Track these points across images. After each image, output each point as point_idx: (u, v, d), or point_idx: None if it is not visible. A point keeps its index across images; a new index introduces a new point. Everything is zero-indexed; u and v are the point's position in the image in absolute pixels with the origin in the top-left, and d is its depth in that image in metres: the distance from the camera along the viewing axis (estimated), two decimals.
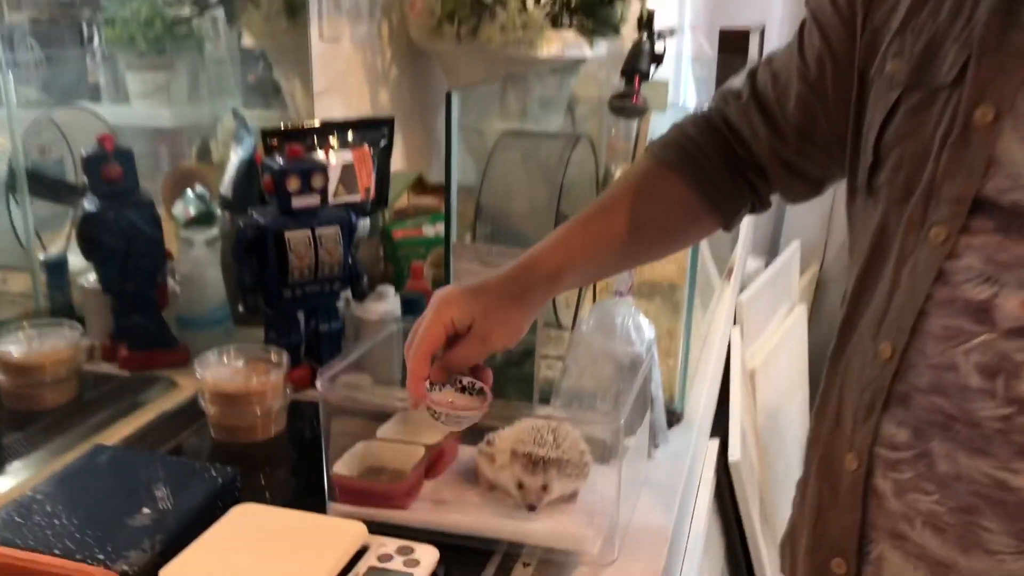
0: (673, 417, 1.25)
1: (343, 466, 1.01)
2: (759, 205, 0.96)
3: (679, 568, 1.04)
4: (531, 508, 0.93)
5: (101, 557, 0.86)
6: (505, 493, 0.99)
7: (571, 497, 1.00)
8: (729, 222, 0.95)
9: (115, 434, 1.18)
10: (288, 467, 1.17)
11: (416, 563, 0.88)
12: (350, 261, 1.31)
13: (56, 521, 0.91)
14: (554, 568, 0.92)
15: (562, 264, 0.90)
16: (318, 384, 0.96)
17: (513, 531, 0.94)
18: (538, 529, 0.94)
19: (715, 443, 1.42)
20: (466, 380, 0.92)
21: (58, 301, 1.49)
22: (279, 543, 0.89)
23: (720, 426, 1.60)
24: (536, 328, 1.19)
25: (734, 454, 1.52)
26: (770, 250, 2.97)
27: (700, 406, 1.32)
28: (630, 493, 1.03)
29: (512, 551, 0.94)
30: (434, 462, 1.05)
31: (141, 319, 1.38)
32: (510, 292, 0.87)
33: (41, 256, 1.49)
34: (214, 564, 0.86)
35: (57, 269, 1.48)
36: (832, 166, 0.89)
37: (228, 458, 1.15)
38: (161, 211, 1.40)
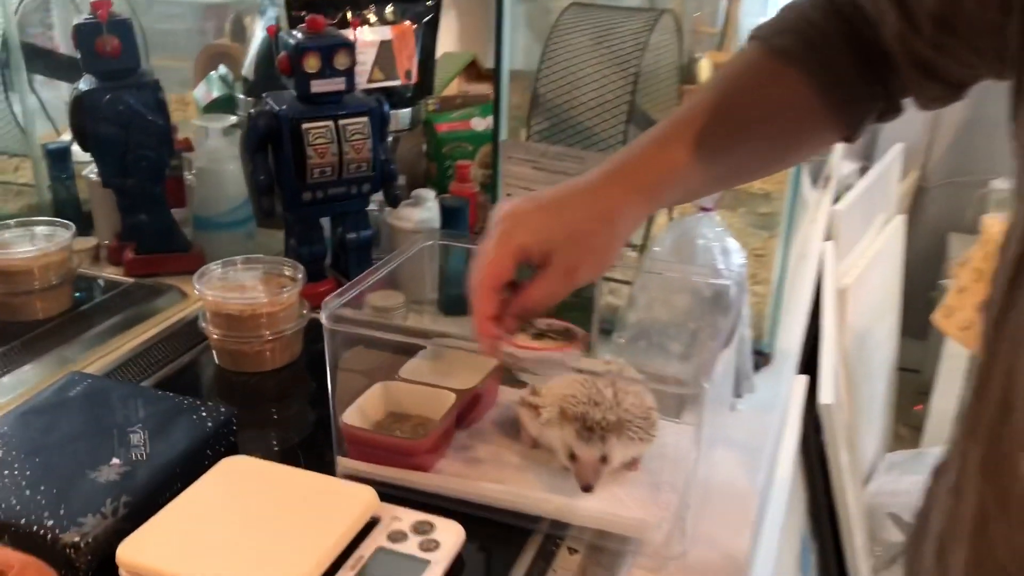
0: (761, 359, 1.04)
1: (356, 413, 0.83)
2: (890, 110, 0.72)
3: (759, 538, 0.85)
4: (587, 489, 0.74)
5: (50, 523, 0.70)
6: (551, 453, 0.80)
7: (632, 463, 0.81)
8: (854, 131, 0.72)
9: (105, 354, 1.02)
10: (301, 403, 1.00)
11: (435, 545, 0.71)
12: (381, 158, 1.11)
13: (7, 471, 0.75)
14: (607, 557, 0.74)
15: (663, 178, 0.69)
16: (322, 313, 0.77)
17: (558, 508, 0.76)
18: (589, 508, 0.75)
19: (801, 380, 1.22)
20: (542, 323, 0.75)
21: (61, 195, 1.32)
22: (268, 512, 0.72)
23: (807, 359, 1.38)
24: None
25: (826, 395, 1.31)
26: (865, 153, 2.67)
27: (791, 344, 1.11)
28: (706, 458, 0.84)
29: (556, 532, 0.76)
30: (468, 408, 0.86)
31: (148, 219, 1.21)
32: (600, 211, 0.68)
33: (42, 143, 1.32)
34: (182, 540, 0.69)
35: (59, 158, 1.31)
36: (978, 62, 0.64)
37: (231, 391, 0.99)
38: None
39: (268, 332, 0.98)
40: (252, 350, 0.98)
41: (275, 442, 0.90)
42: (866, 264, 2.06)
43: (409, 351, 0.91)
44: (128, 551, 0.68)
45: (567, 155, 0.98)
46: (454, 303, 1.11)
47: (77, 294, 1.16)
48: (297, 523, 0.71)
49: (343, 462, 0.82)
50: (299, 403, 0.99)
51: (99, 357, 1.01)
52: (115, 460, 0.78)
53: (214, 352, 1.01)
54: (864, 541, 1.42)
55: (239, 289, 1.00)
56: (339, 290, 0.80)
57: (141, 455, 0.79)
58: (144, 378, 0.98)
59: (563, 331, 0.75)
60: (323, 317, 0.76)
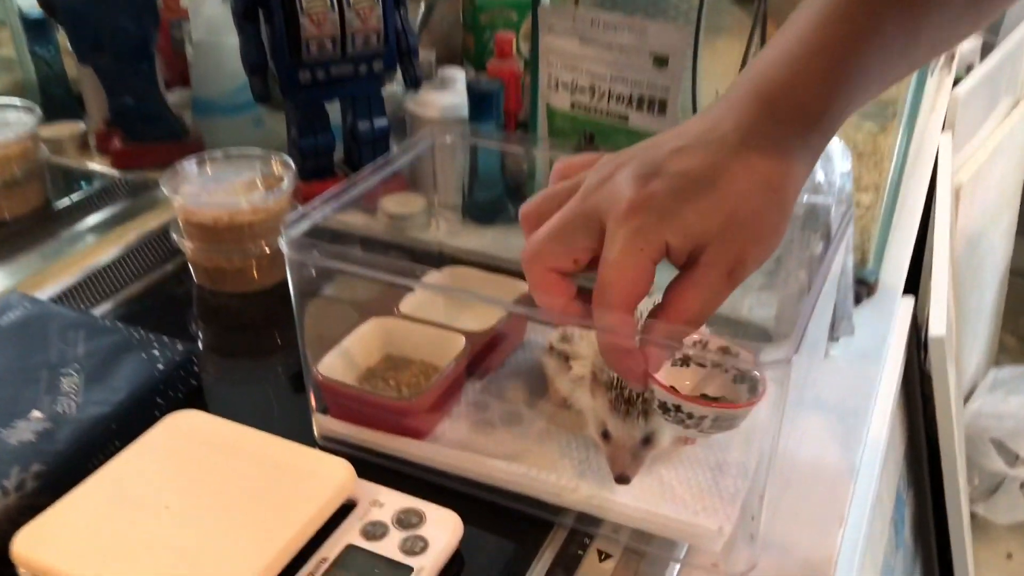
0: (862, 289, 0.83)
1: (340, 359, 0.66)
2: None
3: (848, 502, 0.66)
4: (621, 480, 0.56)
5: None
6: (585, 418, 0.62)
7: (685, 440, 0.62)
8: None
9: (67, 266, 0.86)
10: (289, 333, 0.82)
11: (421, 547, 0.54)
12: (396, 28, 0.90)
13: None
14: (646, 566, 0.56)
15: (840, 102, 0.46)
16: (281, 239, 0.58)
17: (588, 499, 0.58)
18: (628, 500, 0.57)
19: (907, 303, 1.00)
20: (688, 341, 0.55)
21: (45, 72, 1.15)
22: (214, 491, 0.56)
23: (910, 274, 1.15)
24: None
25: (937, 325, 1.09)
26: (991, 27, 2.33)
27: (899, 269, 0.89)
28: (788, 427, 0.64)
29: (584, 527, 0.58)
30: (485, 353, 0.68)
31: (134, 101, 1.03)
32: (762, 176, 0.46)
33: (19, 8, 1.14)
34: (98, 528, 0.54)
35: (37, 28, 1.13)
36: None
37: (207, 316, 0.82)
38: None
39: (251, 245, 0.80)
40: (233, 267, 0.81)
41: (248, 388, 0.73)
42: (986, 157, 1.78)
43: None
44: (26, 543, 0.53)
45: (623, 25, 0.76)
46: (482, 209, 0.92)
47: (54, 191, 1.00)
48: (249, 507, 0.55)
49: (321, 421, 0.65)
50: (287, 333, 0.82)
51: (61, 270, 0.86)
52: (35, 413, 0.62)
53: (191, 269, 0.84)
54: (965, 483, 1.23)
55: (216, 192, 0.82)
56: (305, 205, 0.61)
57: (69, 406, 0.63)
58: (105, 298, 0.82)
59: (721, 353, 0.55)
60: (283, 243, 0.58)
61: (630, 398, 0.55)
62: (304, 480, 0.57)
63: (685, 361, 0.56)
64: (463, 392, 0.67)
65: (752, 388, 0.54)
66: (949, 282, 1.18)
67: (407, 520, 0.56)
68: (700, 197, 0.44)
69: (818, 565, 0.57)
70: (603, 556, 0.56)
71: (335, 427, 0.64)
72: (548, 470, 0.60)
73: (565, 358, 0.63)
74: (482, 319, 0.68)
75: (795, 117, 0.45)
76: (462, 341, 0.66)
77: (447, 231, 0.87)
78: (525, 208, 0.50)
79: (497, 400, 0.67)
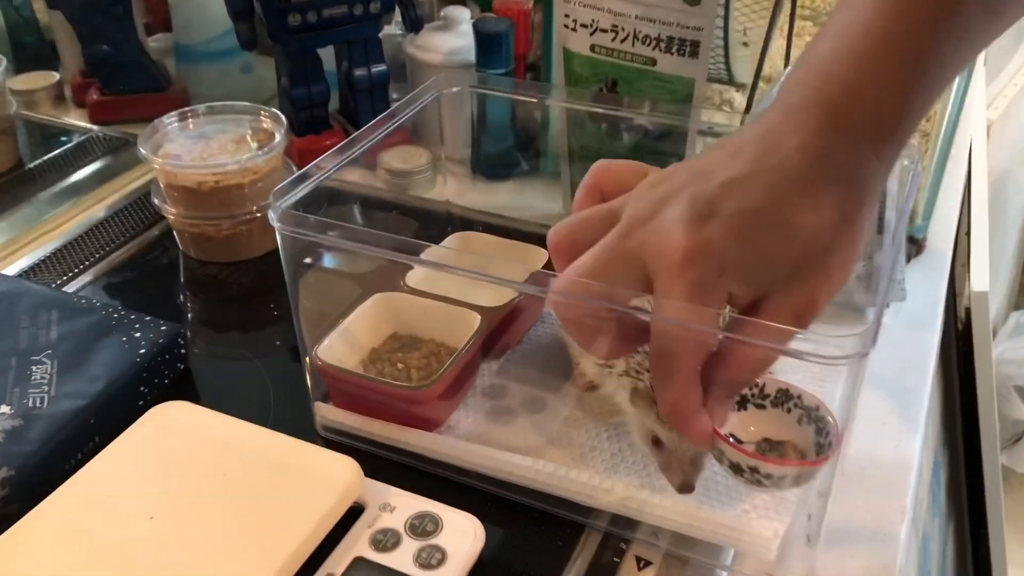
0: (911, 248, 0.76)
1: (341, 341, 0.59)
2: None
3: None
4: (686, 489, 0.49)
5: None
6: (614, 403, 0.55)
7: None
8: None
9: (36, 236, 0.79)
10: (286, 307, 0.76)
11: (439, 559, 0.48)
12: None
13: None
14: (690, 573, 0.50)
15: (922, 96, 0.38)
16: (270, 211, 0.51)
17: (624, 500, 0.51)
18: (668, 504, 0.51)
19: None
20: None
21: (13, 19, 1.06)
22: (203, 498, 0.50)
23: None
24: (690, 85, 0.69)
25: (979, 280, 1.02)
26: None
27: (948, 223, 0.82)
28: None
29: (619, 531, 0.52)
30: (499, 332, 0.61)
31: (110, 49, 0.95)
32: (834, 209, 0.39)
33: None
34: (68, 542, 0.47)
35: None
36: None
37: (196, 289, 0.75)
38: None
39: (241, 210, 0.73)
40: (221, 234, 0.74)
41: (242, 369, 0.67)
42: (1016, 93, 1.69)
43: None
44: None
45: None
46: (492, 163, 0.84)
47: (26, 149, 0.92)
48: (244, 516, 0.48)
49: (322, 411, 0.58)
50: (285, 304, 0.75)
51: (33, 239, 0.79)
52: (3, 408, 0.56)
53: (176, 237, 0.77)
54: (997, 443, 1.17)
55: (199, 150, 0.74)
56: (295, 175, 0.53)
57: (41, 400, 0.57)
58: (83, 270, 0.75)
59: (782, 398, 0.50)
60: (273, 216, 0.51)
61: None
62: (306, 482, 0.50)
63: (742, 403, 0.50)
64: (480, 373, 0.60)
65: (821, 430, 0.48)
66: (988, 231, 1.11)
67: (422, 527, 0.50)
68: (765, 240, 0.38)
69: (882, 569, 0.51)
70: (642, 564, 0.50)
71: (337, 417, 0.58)
72: (577, 467, 0.53)
73: None
74: (499, 292, 0.61)
75: (867, 127, 0.38)
76: (477, 319, 0.59)
77: (455, 188, 0.80)
78: (556, 235, 0.43)
79: (516, 384, 0.60)
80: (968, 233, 1.11)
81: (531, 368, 0.61)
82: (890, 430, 0.60)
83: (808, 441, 0.49)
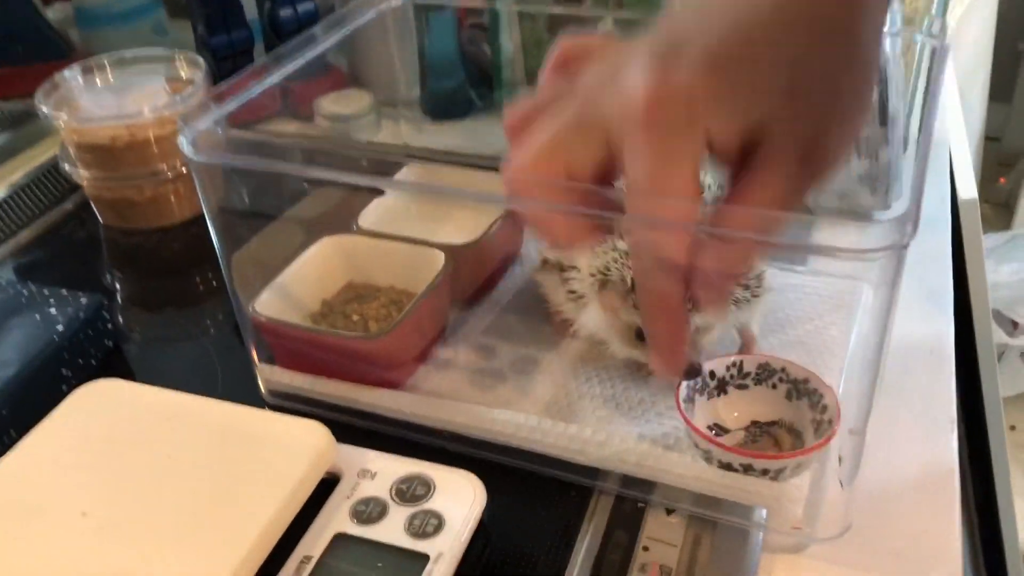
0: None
1: (283, 293, 0.51)
2: None
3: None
4: (690, 374, 0.42)
5: None
6: (600, 344, 0.49)
7: (749, 340, 0.49)
8: None
9: None
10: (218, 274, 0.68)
11: (435, 525, 0.41)
12: None
13: None
14: (722, 533, 0.43)
15: None
16: (181, 139, 0.43)
17: (620, 454, 0.44)
18: (677, 461, 0.43)
19: None
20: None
21: None
22: (148, 483, 0.42)
23: None
24: None
25: (966, 188, 0.97)
26: None
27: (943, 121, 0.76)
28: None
29: (632, 492, 0.45)
30: (469, 276, 0.54)
31: (3, 15, 0.85)
32: (828, 21, 0.31)
33: None
34: None
35: None
36: None
37: (121, 261, 0.67)
38: None
39: (162, 166, 0.65)
40: (144, 197, 0.66)
41: (179, 343, 0.59)
42: (963, 10, 1.65)
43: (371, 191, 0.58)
44: None
45: None
46: (443, 102, 0.76)
47: None
48: (195, 502, 0.41)
49: (266, 374, 0.51)
50: (215, 272, 0.67)
51: None
52: None
53: (93, 206, 0.69)
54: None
55: (111, 104, 0.66)
56: (207, 96, 0.45)
57: None
58: None
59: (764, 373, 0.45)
60: (184, 142, 0.43)
61: None
62: (268, 455, 0.43)
63: (720, 388, 0.44)
64: (448, 325, 0.53)
65: (815, 404, 0.42)
66: (969, 139, 1.06)
67: (410, 491, 0.42)
68: (742, 66, 0.30)
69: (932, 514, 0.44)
70: (670, 511, 0.44)
71: (285, 379, 0.50)
72: (565, 419, 0.46)
73: (559, 270, 0.49)
74: (465, 229, 0.54)
75: None
76: (441, 259, 0.51)
77: (403, 131, 0.72)
78: (510, 116, 0.36)
79: (492, 333, 0.53)
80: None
81: (508, 315, 0.54)
82: (920, 339, 0.54)
83: (802, 417, 0.44)
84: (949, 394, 0.50)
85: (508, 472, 0.45)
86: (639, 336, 0.44)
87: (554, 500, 0.44)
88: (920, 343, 0.53)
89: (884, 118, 0.60)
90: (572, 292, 0.48)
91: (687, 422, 0.42)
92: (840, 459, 0.43)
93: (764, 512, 0.42)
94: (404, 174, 0.58)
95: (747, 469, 0.41)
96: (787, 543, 0.42)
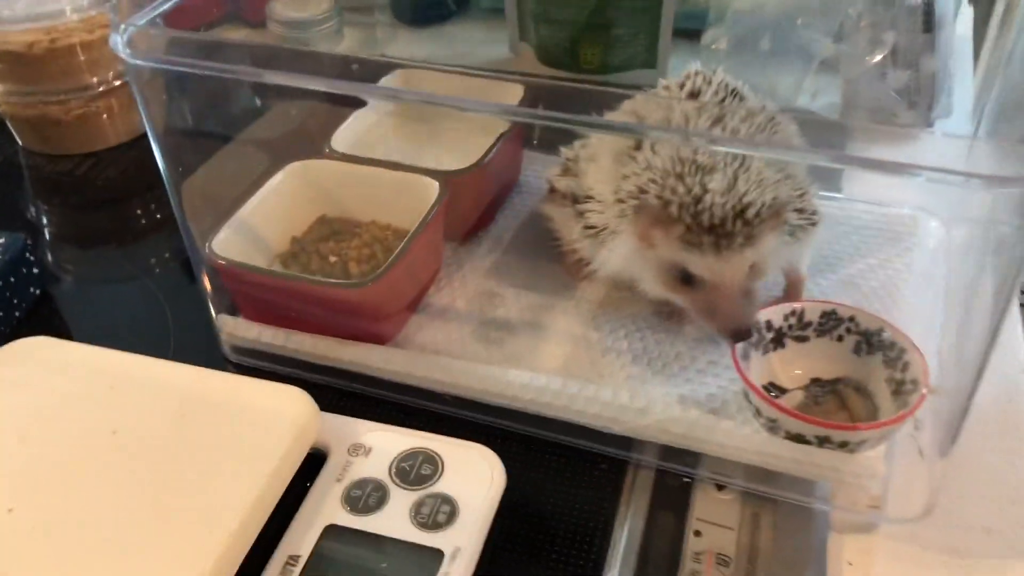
0: None
1: (245, 230, 0.43)
2: None
3: None
4: (741, 335, 0.36)
5: None
6: (623, 286, 0.41)
7: (796, 281, 0.42)
8: None
9: None
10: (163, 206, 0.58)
11: (448, 513, 0.34)
12: None
13: None
14: (783, 512, 0.36)
15: None
16: (115, 37, 0.34)
17: (663, 421, 0.37)
18: (728, 431, 0.36)
19: None
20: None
21: None
22: (88, 468, 0.34)
23: None
24: None
25: None
26: None
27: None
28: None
29: (673, 464, 0.38)
30: (464, 208, 0.46)
31: None
32: None
33: None
34: None
35: None
36: None
37: (47, 192, 0.57)
38: None
39: (93, 79, 0.55)
40: (70, 116, 0.56)
41: (126, 293, 0.50)
42: None
43: (350, 98, 0.49)
44: None
45: None
46: (417, 6, 0.67)
47: None
48: (151, 489, 0.33)
49: (229, 327, 0.42)
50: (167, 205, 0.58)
51: None
52: None
53: (9, 126, 0.58)
54: None
55: (27, 3, 0.55)
56: None
57: None
58: None
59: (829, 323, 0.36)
60: (117, 43, 0.34)
61: (716, 224, 0.34)
62: (236, 429, 0.35)
63: (777, 340, 0.36)
64: (444, 265, 0.45)
65: (893, 359, 0.35)
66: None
67: (414, 471, 0.35)
68: None
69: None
70: (720, 487, 0.37)
71: (251, 334, 0.42)
72: (590, 379, 0.39)
73: (573, 201, 0.41)
74: (458, 151, 0.45)
75: None
76: (435, 188, 0.43)
77: (373, 37, 0.63)
78: None
79: (495, 276, 0.45)
80: None
81: (511, 255, 0.46)
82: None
83: (873, 375, 0.37)
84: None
85: (525, 444, 0.38)
86: (684, 278, 0.36)
87: (583, 476, 0.37)
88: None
89: (929, 23, 0.53)
90: (590, 227, 0.40)
91: (751, 387, 0.34)
92: (916, 423, 0.37)
93: (829, 486, 0.36)
94: (390, 81, 0.49)
95: (823, 442, 0.34)
96: (855, 522, 0.36)
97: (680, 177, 0.35)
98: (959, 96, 0.57)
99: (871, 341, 0.37)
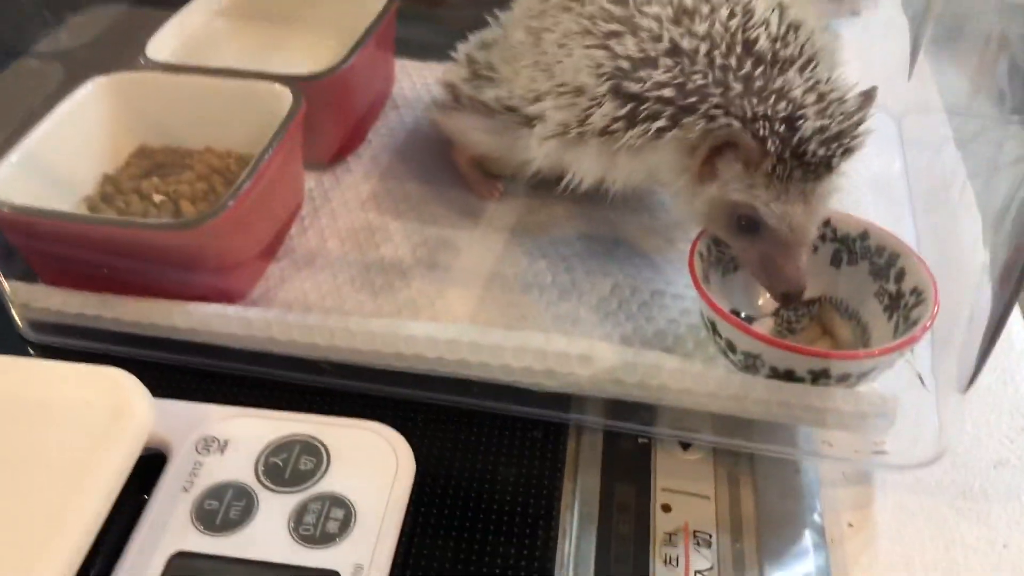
0: None
1: (35, 166, 0.32)
2: None
3: None
4: (793, 297, 0.28)
5: None
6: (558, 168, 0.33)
7: None
8: None
9: None
10: None
11: (342, 520, 0.25)
12: None
13: None
14: (765, 468, 0.29)
15: None
16: None
17: (614, 369, 0.28)
18: (698, 374, 0.28)
19: None
20: None
21: None
22: None
23: None
24: None
25: None
26: None
27: None
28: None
29: (626, 417, 0.30)
30: (327, 121, 0.36)
31: None
32: None
33: None
34: None
35: None
36: None
37: None
38: None
39: None
40: None
41: None
42: None
43: None
44: None
45: None
46: None
47: None
48: None
49: (23, 296, 0.31)
50: None
51: None
52: None
53: None
54: None
55: None
56: None
57: None
58: None
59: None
60: None
61: (815, 150, 0.26)
62: (41, 430, 0.25)
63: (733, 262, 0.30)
64: (304, 199, 0.35)
65: (881, 270, 0.28)
66: None
67: (289, 467, 0.26)
68: None
69: None
70: (686, 445, 0.29)
71: (55, 303, 0.31)
72: (509, 327, 0.31)
73: (501, 109, 0.32)
74: (316, 59, 0.36)
75: None
76: (288, 98, 0.33)
77: None
78: None
79: (375, 207, 0.36)
80: None
81: (392, 178, 0.37)
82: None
83: (860, 289, 0.30)
84: None
85: (437, 417, 0.30)
86: (746, 225, 0.27)
87: (515, 450, 0.29)
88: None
89: None
90: (510, 109, 0.32)
91: (722, 315, 0.27)
92: (911, 350, 0.30)
93: (813, 433, 0.29)
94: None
95: (818, 377, 0.27)
96: (850, 472, 0.29)
97: (730, 49, 0.27)
98: None
99: (852, 248, 0.30)
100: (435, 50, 0.39)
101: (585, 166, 0.30)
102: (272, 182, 0.31)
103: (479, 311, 0.31)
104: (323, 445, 0.27)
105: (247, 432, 0.27)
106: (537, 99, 0.30)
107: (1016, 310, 0.37)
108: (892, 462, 0.28)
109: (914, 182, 0.39)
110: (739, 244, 0.28)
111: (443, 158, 0.37)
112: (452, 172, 0.37)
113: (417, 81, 0.42)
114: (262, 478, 0.26)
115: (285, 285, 0.32)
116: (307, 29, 0.40)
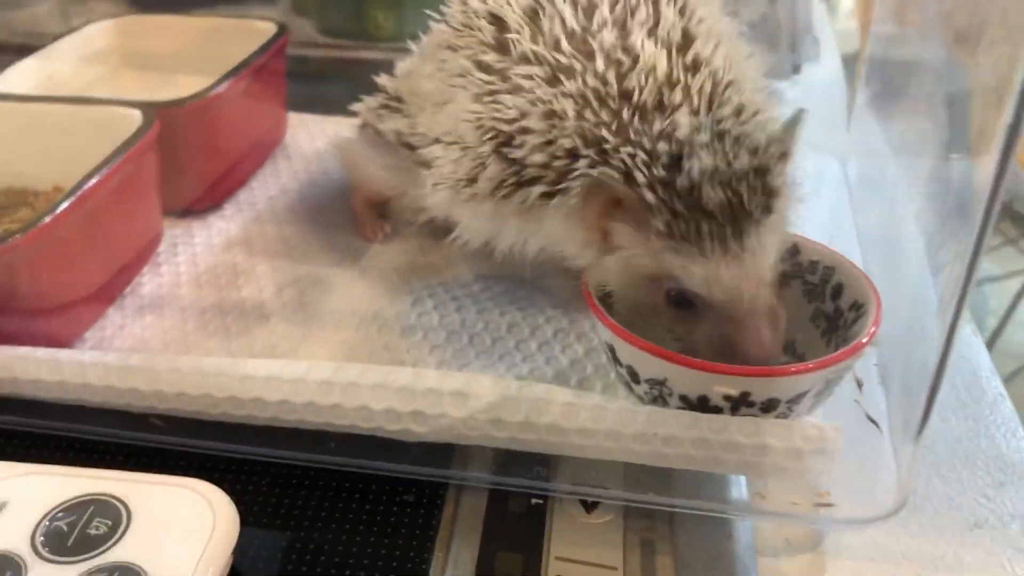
0: None
1: None
2: None
3: None
4: (765, 361, 0.22)
5: None
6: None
7: None
8: None
9: None
10: None
11: None
12: None
13: None
14: (687, 531, 0.24)
15: None
16: None
17: (495, 404, 0.23)
18: (590, 410, 0.23)
19: None
20: None
21: None
22: None
23: None
24: None
25: None
26: None
27: None
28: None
29: (514, 470, 0.24)
30: (193, 158, 0.32)
31: None
32: None
33: None
34: None
35: None
36: None
37: None
38: None
39: None
40: None
41: None
42: None
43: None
44: None
45: None
46: None
47: None
48: None
49: None
50: None
51: None
52: None
53: None
54: None
55: None
56: None
57: None
58: None
59: None
60: None
61: (716, 193, 0.22)
62: None
63: None
64: (163, 240, 0.31)
65: (817, 284, 0.25)
66: None
67: (75, 532, 0.21)
68: None
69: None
70: (590, 505, 0.24)
71: None
72: (374, 361, 0.26)
73: (407, 147, 0.29)
74: (180, 81, 0.32)
75: None
76: (136, 120, 0.29)
77: None
78: None
79: (243, 246, 0.31)
80: None
81: (269, 222, 0.33)
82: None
83: (796, 315, 0.25)
84: None
85: (281, 478, 0.24)
86: (675, 299, 0.22)
87: (378, 518, 0.23)
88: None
89: None
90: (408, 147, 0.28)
91: (620, 334, 0.22)
92: (860, 383, 0.25)
93: (744, 482, 0.24)
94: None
95: (738, 404, 0.21)
96: (793, 537, 0.24)
97: (603, 103, 0.23)
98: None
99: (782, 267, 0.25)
100: (339, 105, 0.35)
101: (475, 225, 0.26)
102: (102, 210, 0.27)
103: (350, 355, 0.26)
104: (124, 505, 0.21)
105: (31, 492, 0.22)
106: (436, 140, 0.27)
107: (985, 355, 0.33)
108: (840, 516, 0.23)
109: (860, 221, 0.35)
110: (685, 327, 0.23)
111: (333, 206, 0.33)
112: (341, 216, 0.32)
113: (316, 132, 0.39)
114: (39, 547, 0.20)
115: (124, 332, 0.27)
116: (193, 74, 0.36)
